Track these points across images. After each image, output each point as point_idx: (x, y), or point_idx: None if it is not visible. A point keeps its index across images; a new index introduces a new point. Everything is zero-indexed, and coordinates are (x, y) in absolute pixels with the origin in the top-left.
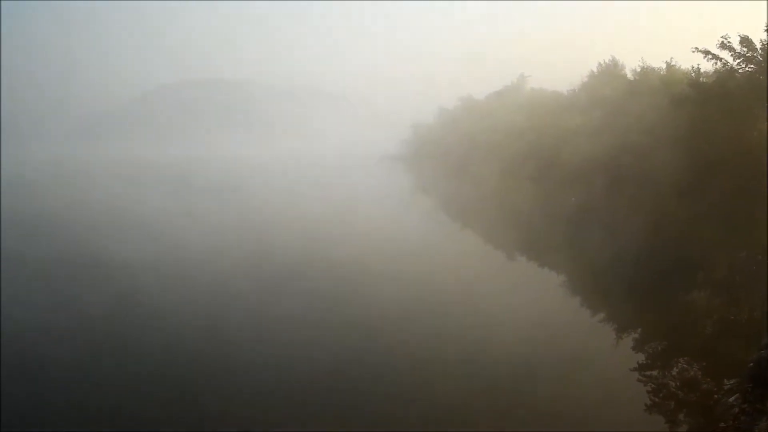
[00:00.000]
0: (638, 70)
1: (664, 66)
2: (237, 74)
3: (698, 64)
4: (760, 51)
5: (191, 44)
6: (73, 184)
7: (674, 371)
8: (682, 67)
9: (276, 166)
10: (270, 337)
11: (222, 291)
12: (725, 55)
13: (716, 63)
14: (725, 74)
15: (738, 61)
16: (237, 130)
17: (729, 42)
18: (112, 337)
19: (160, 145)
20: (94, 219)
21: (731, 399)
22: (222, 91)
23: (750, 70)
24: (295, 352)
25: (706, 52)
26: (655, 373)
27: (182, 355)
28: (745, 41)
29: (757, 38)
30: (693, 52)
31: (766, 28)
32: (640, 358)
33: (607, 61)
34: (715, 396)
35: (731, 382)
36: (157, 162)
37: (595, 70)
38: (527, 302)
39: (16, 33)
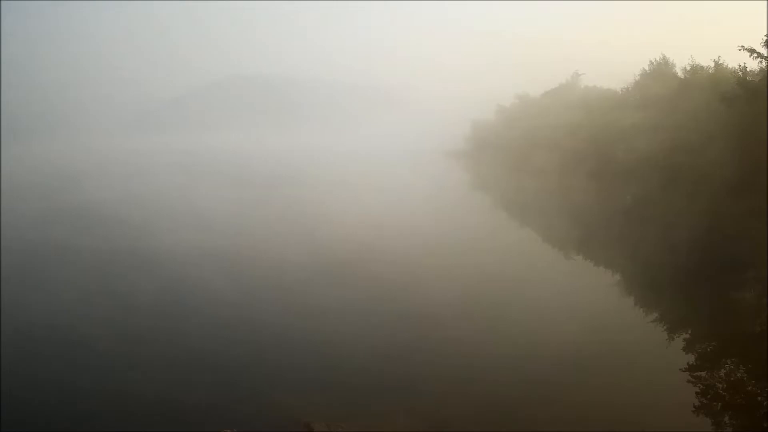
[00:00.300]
0: (687, 68)
1: (712, 64)
2: (287, 70)
3: (745, 63)
4: None
5: (238, 40)
6: (130, 177)
7: (722, 372)
8: (729, 65)
9: (332, 161)
10: (321, 328)
11: (285, 286)
12: None
13: (761, 61)
14: None
15: None
16: (292, 125)
17: None
18: (159, 327)
19: (214, 138)
20: (150, 212)
21: None
22: (273, 86)
23: None
24: (361, 344)
25: (752, 51)
26: (703, 374)
27: (235, 350)
28: None
29: None
30: (739, 50)
31: None
32: (690, 358)
33: (657, 59)
34: (758, 398)
35: None
36: (215, 154)
37: (646, 68)
38: (582, 298)
39: (67, 27)
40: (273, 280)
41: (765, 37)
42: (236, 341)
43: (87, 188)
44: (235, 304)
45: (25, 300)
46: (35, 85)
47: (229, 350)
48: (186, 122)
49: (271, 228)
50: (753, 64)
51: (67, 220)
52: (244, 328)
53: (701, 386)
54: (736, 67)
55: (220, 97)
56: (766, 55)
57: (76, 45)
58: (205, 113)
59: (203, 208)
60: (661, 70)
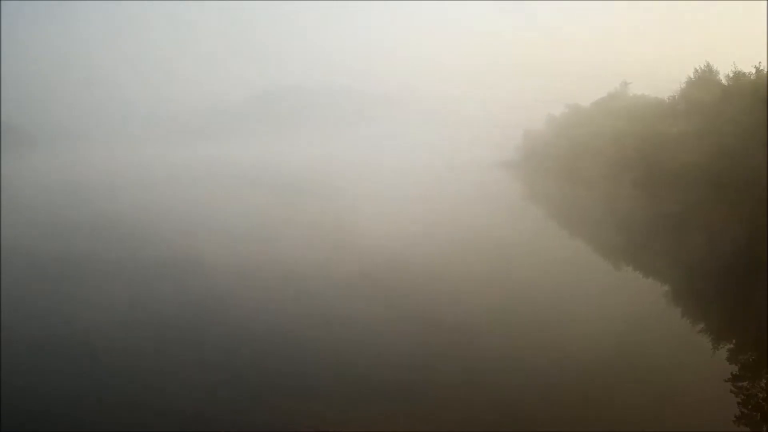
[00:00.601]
0: (730, 75)
1: (753, 71)
2: (326, 80)
3: None
4: None
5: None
6: (160, 187)
7: (762, 382)
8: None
9: (381, 171)
10: (343, 336)
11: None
12: None
13: None
14: None
15: None
16: (334, 134)
17: None
18: (190, 339)
19: (263, 148)
20: (176, 221)
21: None
22: (322, 96)
23: None
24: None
25: None
26: (745, 384)
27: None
28: None
29: None
30: None
31: None
32: (734, 368)
33: (702, 67)
34: None
35: None
36: (257, 164)
37: (692, 75)
38: (628, 306)
39: (109, 34)
40: (302, 290)
41: None
42: (258, 350)
43: (117, 197)
44: (259, 311)
45: (45, 310)
46: (68, 91)
47: (253, 358)
48: (212, 133)
49: (298, 238)
50: None
51: (95, 230)
52: (267, 336)
53: (743, 396)
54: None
55: (250, 108)
56: None
57: (106, 51)
58: (234, 124)
59: (227, 217)
60: (705, 77)
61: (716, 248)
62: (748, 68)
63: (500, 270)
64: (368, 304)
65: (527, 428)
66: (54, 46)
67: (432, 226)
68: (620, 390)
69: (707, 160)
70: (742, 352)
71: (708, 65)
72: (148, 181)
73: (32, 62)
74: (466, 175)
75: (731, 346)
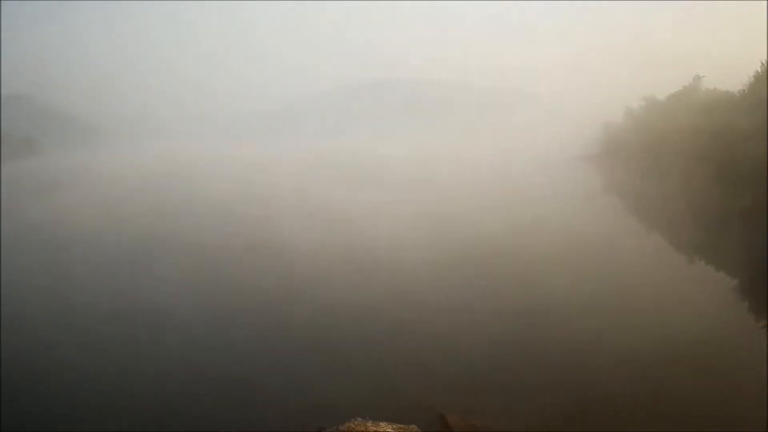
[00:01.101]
0: None
1: None
2: (409, 73)
3: None
4: None
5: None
6: (251, 177)
7: None
8: None
9: (463, 163)
10: (450, 324)
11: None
12: None
13: None
14: None
15: None
16: (415, 128)
17: None
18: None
19: (348, 141)
20: (272, 209)
21: None
22: (402, 89)
23: None
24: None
25: None
26: None
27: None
28: None
29: None
30: None
31: None
32: None
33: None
34: None
35: None
36: (347, 157)
37: (759, 70)
38: (699, 305)
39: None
40: (401, 278)
41: None
42: (365, 338)
43: (209, 187)
44: (361, 298)
45: (136, 293)
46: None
47: (359, 345)
48: (315, 126)
49: (400, 228)
50: None
51: (186, 216)
52: (371, 322)
53: None
54: None
55: (349, 101)
56: None
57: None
58: (331, 117)
59: (330, 208)
60: None
61: None
62: None
63: (590, 261)
64: (474, 293)
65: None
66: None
67: (531, 219)
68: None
69: None
70: None
71: None
72: (244, 174)
73: (113, 54)
74: (552, 168)
75: None
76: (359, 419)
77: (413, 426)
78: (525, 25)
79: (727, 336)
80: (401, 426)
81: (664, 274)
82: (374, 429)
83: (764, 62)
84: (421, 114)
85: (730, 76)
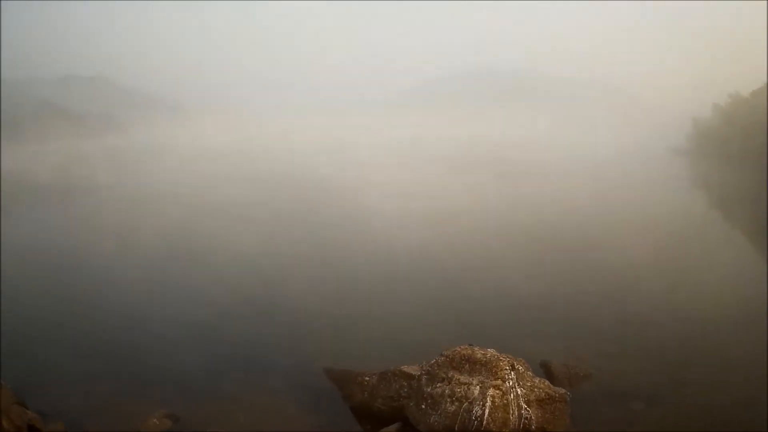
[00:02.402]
0: None
1: None
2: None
3: None
4: None
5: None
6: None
7: None
8: None
9: (558, 153)
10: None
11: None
12: None
13: None
14: None
15: None
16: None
17: None
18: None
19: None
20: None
21: None
22: (506, 77)
23: None
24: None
25: None
26: None
27: None
28: None
29: None
30: None
31: None
32: None
33: None
34: None
35: None
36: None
37: None
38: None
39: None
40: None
41: None
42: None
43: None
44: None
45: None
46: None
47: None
48: (414, 112)
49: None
50: None
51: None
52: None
53: None
54: None
55: (451, 88)
56: None
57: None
58: (433, 104)
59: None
60: None
61: None
62: None
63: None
64: (564, 284)
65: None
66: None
67: (624, 212)
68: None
69: None
70: None
71: None
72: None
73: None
74: (649, 161)
75: None
76: (468, 344)
77: (521, 359)
78: (614, 18)
79: None
80: (508, 355)
81: (735, 266)
82: (481, 353)
83: None
84: (520, 102)
85: None
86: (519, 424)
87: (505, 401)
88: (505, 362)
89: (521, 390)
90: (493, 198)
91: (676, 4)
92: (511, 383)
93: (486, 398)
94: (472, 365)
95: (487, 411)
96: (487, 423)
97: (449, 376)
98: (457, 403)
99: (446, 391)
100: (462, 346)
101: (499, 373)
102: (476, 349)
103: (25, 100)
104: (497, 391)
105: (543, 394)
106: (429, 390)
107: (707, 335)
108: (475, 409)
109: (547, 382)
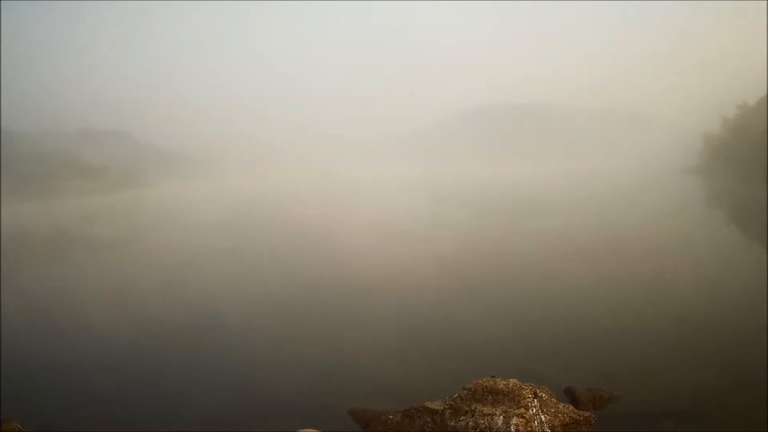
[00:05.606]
0: None
1: None
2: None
3: None
4: None
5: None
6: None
7: None
8: None
9: (571, 186)
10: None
11: None
12: None
13: None
14: None
15: None
16: (531, 153)
17: None
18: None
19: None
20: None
21: None
22: (510, 115)
23: None
24: None
25: None
26: None
27: None
28: None
29: None
30: None
31: None
32: None
33: None
34: None
35: None
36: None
37: None
38: None
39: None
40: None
41: None
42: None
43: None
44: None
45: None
46: None
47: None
48: (424, 154)
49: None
50: None
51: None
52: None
53: None
54: None
55: (467, 125)
56: None
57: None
58: (443, 145)
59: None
60: None
61: None
62: None
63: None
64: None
65: None
66: None
67: (649, 234)
68: None
69: None
70: None
71: None
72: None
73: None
74: (663, 181)
75: None
76: (490, 376)
77: (544, 386)
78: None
79: None
80: (530, 384)
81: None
82: (503, 383)
83: None
84: (533, 136)
85: None
86: None
87: (530, 428)
88: (528, 390)
89: (545, 417)
90: (513, 235)
91: (677, 26)
92: (534, 410)
93: (510, 427)
94: (495, 396)
95: None
96: None
97: (472, 408)
98: None
99: (470, 423)
100: (484, 378)
101: (522, 401)
102: (498, 380)
103: (40, 153)
104: (521, 420)
105: (567, 418)
106: (453, 423)
107: (739, 353)
108: None
109: (571, 407)
